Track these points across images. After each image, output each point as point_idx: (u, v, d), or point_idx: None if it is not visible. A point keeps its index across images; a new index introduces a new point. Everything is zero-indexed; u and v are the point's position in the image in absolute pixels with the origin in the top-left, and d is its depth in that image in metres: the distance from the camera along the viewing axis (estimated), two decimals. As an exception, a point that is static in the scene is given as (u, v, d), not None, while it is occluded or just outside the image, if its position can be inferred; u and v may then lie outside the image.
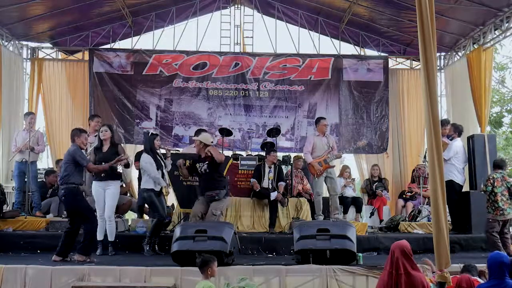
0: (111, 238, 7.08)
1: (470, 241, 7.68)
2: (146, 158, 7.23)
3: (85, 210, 6.48)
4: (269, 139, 10.04)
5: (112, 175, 7.04)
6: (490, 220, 7.26)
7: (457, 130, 8.81)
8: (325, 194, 9.23)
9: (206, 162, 7.22)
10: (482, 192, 7.51)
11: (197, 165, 7.34)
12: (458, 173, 8.38)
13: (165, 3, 11.19)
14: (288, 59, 11.32)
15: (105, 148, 7.04)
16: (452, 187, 7.95)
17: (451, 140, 8.71)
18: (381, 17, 10.70)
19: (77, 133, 6.55)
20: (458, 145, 8.64)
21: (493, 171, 7.65)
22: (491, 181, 7.33)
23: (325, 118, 8.96)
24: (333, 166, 8.48)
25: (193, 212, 7.37)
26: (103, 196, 6.97)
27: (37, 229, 8.07)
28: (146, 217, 8.71)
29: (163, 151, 7.72)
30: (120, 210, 8.45)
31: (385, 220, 9.50)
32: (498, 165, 7.60)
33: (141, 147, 9.33)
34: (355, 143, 10.74)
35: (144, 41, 11.63)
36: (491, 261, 4.43)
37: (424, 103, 5.03)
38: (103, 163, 6.81)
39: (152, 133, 7.60)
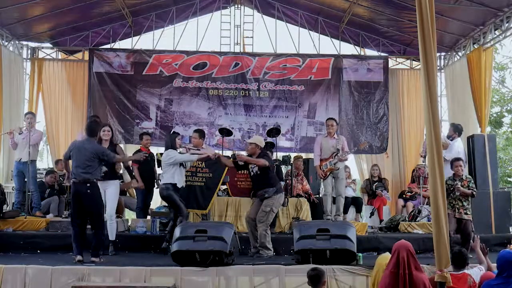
0: (111, 237, 7.09)
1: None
2: (171, 153, 7.14)
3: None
4: (269, 139, 10.04)
5: (112, 175, 7.06)
6: None
7: (457, 130, 8.84)
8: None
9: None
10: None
11: (249, 166, 7.33)
12: (459, 173, 8.36)
13: (165, 3, 11.20)
14: (288, 59, 11.32)
15: (105, 147, 7.05)
16: (453, 187, 7.93)
17: (451, 140, 8.72)
18: (381, 17, 10.70)
19: (99, 128, 6.66)
20: (460, 145, 8.65)
21: None
22: None
23: (331, 119, 8.65)
24: (337, 169, 8.30)
25: (246, 214, 7.45)
26: (104, 196, 6.96)
27: (37, 229, 8.06)
28: (148, 217, 8.68)
29: (183, 150, 7.70)
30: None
31: (385, 220, 9.49)
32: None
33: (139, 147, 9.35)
34: (356, 145, 10.72)
35: (144, 41, 11.66)
36: (502, 259, 4.42)
37: (424, 103, 5.04)
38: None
39: (174, 132, 7.61)
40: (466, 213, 7.15)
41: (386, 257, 4.92)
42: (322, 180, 8.43)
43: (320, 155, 8.38)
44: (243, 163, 7.36)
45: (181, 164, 7.18)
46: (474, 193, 7.19)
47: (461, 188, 7.10)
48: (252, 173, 7.33)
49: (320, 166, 8.30)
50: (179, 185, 7.17)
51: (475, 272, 5.07)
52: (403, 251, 4.25)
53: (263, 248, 6.98)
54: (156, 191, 9.23)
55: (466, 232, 7.12)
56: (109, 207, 7.04)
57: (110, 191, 7.03)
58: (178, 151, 7.39)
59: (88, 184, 6.26)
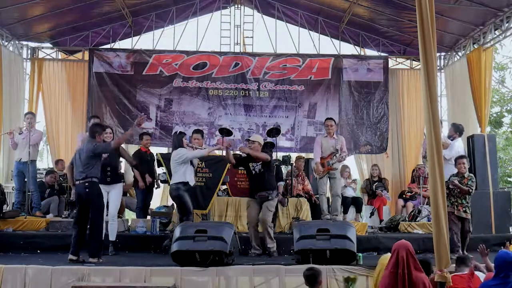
0: (112, 237, 7.10)
1: (470, 241, 7.67)
2: (181, 151, 7.09)
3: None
4: (269, 139, 10.05)
5: (116, 178, 7.15)
6: None
7: (458, 130, 8.84)
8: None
9: (260, 163, 7.24)
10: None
11: (250, 164, 7.34)
12: (459, 172, 8.37)
13: (165, 3, 11.20)
14: (288, 59, 11.32)
15: None
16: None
17: (452, 140, 8.71)
18: (381, 17, 10.70)
19: (99, 130, 6.60)
20: (460, 145, 8.66)
21: None
22: None
23: (330, 119, 8.67)
24: (335, 169, 8.31)
25: (250, 218, 7.35)
26: (106, 198, 6.96)
27: (37, 229, 8.07)
28: (148, 217, 8.68)
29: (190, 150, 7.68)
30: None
31: (385, 220, 9.49)
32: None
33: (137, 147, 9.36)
34: (357, 147, 10.72)
35: (144, 41, 11.65)
36: (499, 259, 4.41)
37: (424, 103, 5.04)
38: (108, 168, 6.90)
39: (180, 132, 7.59)
40: (465, 211, 7.16)
41: (388, 257, 4.92)
42: (317, 179, 8.43)
43: (320, 155, 8.39)
44: (245, 155, 7.36)
45: (191, 163, 7.18)
46: (471, 191, 7.17)
47: (455, 182, 7.08)
48: (254, 172, 7.32)
49: (320, 164, 8.30)
50: (191, 183, 7.16)
51: (480, 274, 5.08)
52: (403, 251, 4.25)
53: (271, 240, 7.15)
54: (156, 191, 9.27)
55: (464, 230, 7.13)
56: (112, 208, 7.07)
57: (113, 192, 7.07)
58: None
59: (87, 184, 6.29)
